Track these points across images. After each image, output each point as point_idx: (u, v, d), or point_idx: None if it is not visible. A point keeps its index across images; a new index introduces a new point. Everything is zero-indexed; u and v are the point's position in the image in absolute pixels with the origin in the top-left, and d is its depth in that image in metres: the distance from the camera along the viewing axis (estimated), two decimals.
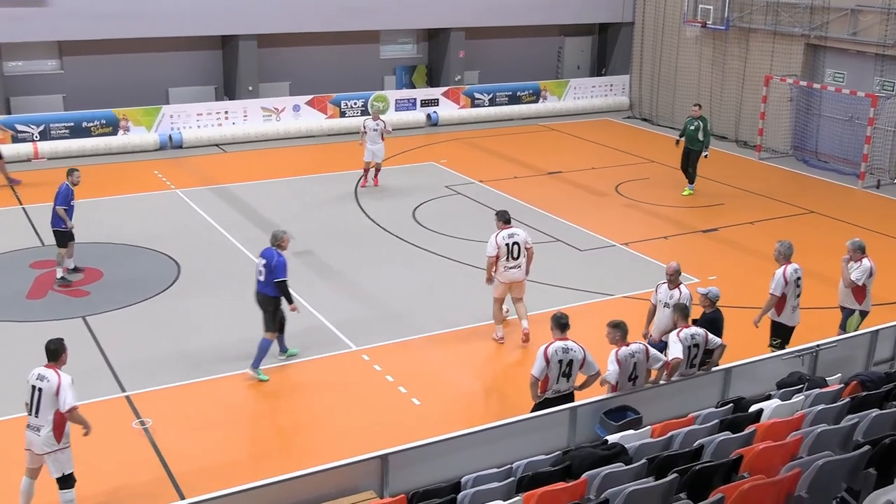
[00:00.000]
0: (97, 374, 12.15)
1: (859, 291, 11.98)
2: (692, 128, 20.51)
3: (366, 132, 20.64)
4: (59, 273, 15.05)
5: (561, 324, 9.56)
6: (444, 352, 13.17)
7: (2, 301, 14.45)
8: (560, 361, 9.38)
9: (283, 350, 12.62)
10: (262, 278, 11.91)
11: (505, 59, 30.65)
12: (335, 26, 26.91)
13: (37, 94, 24.66)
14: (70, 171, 15.16)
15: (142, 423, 11.01)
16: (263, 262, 11.90)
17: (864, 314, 12.10)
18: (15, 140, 22.91)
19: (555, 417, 9.09)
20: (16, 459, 10.13)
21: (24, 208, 18.92)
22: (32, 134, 23.15)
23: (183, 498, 9.38)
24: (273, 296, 11.91)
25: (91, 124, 23.94)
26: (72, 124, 23.73)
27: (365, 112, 27.03)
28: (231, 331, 13.57)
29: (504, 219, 13.33)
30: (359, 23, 27.22)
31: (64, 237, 14.94)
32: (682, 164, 21.00)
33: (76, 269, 15.42)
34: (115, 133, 24.14)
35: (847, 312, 12.14)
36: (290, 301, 11.89)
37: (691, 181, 20.95)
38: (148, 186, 20.82)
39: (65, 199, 14.80)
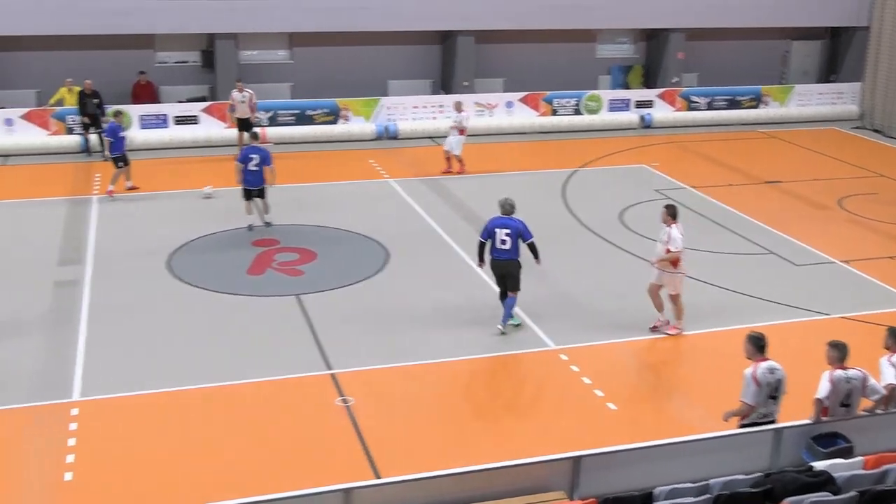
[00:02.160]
0: (306, 351, 12.75)
1: None
2: None
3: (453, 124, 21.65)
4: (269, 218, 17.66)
5: (760, 345, 9.09)
6: (643, 357, 12.92)
7: (225, 275, 15.42)
8: (769, 384, 8.93)
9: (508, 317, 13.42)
10: (507, 246, 12.87)
11: (725, 62, 29.54)
12: (553, 24, 26.88)
13: (268, 83, 26.13)
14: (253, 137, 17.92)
15: (344, 400, 11.45)
16: (507, 230, 12.86)
17: None
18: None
19: (757, 437, 8.70)
20: (248, 422, 10.83)
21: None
22: (261, 120, 24.53)
23: (378, 477, 9.70)
24: (518, 259, 12.97)
25: (314, 113, 25.11)
26: (297, 112, 24.99)
27: (578, 112, 26.91)
28: (435, 318, 13.88)
29: (673, 213, 13.36)
30: (578, 21, 27.07)
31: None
32: None
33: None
34: (335, 122, 25.22)
35: None
36: (538, 257, 13.12)
37: None
38: (363, 174, 21.61)
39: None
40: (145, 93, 25.09)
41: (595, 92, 27.49)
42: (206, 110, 24.38)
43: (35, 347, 12.71)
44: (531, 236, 13.00)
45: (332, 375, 12.05)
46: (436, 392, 11.86)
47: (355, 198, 19.83)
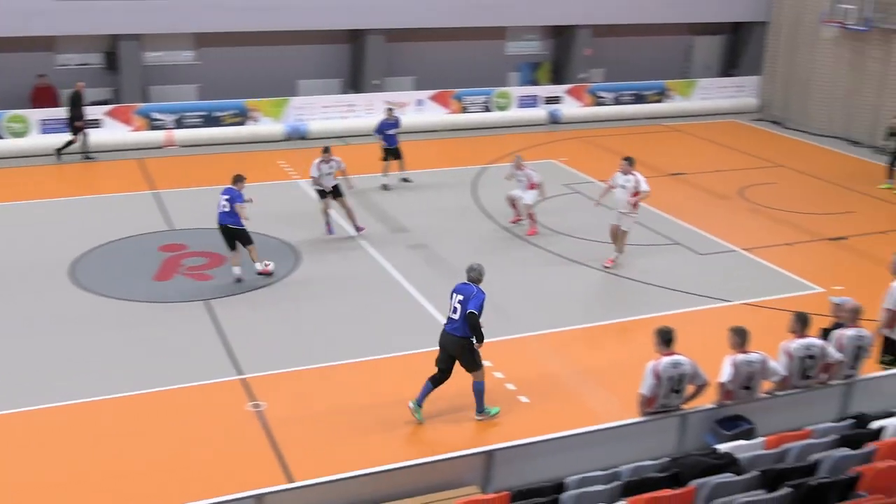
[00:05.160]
0: (215, 357, 12.55)
1: None
2: None
3: None
4: (259, 267, 15.13)
5: (667, 339, 9.19)
6: (554, 351, 13.08)
7: (130, 282, 15.07)
8: (671, 378, 8.98)
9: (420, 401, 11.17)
10: (456, 316, 10.73)
11: (631, 58, 30.14)
12: (464, 22, 27.03)
13: (173, 84, 25.67)
14: (239, 178, 15.22)
15: (256, 405, 11.31)
16: (460, 297, 10.75)
17: None
18: (152, 128, 23.95)
19: (664, 423, 8.90)
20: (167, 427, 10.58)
21: (154, 193, 19.71)
22: (167, 122, 24.08)
23: (292, 481, 9.61)
24: (469, 337, 10.78)
25: (223, 114, 24.77)
26: (205, 114, 24.60)
27: (487, 108, 27.10)
28: (345, 319, 13.82)
29: (632, 162, 15.65)
30: (487, 19, 27.27)
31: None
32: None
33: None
34: (244, 123, 24.91)
35: None
36: (479, 339, 10.82)
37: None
38: (273, 176, 21.37)
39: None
40: (45, 96, 24.36)
41: (504, 89, 27.76)
42: (109, 113, 23.80)
43: None
44: (476, 308, 10.59)
45: (243, 380, 11.89)
46: (348, 393, 11.80)
47: (265, 200, 19.56)
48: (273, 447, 10.45)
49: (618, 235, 15.82)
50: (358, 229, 17.31)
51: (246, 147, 24.09)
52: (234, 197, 14.90)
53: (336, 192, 17.24)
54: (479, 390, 11.10)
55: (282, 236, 17.19)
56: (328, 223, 17.40)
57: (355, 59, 27.38)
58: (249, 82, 26.13)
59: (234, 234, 14.91)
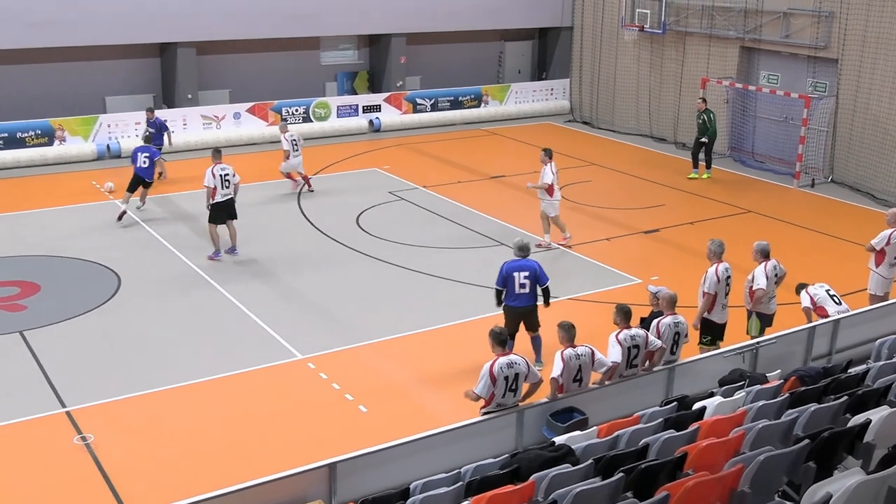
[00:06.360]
0: (36, 390, 11.90)
1: (752, 294, 11.95)
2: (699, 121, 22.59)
3: None
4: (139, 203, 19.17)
5: (501, 340, 9.46)
6: (390, 358, 13.14)
7: None
8: (506, 378, 9.22)
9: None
10: (526, 290, 12.21)
11: (446, 65, 30.71)
12: (276, 33, 26.72)
13: None
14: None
15: (83, 438, 10.80)
16: (525, 273, 12.18)
17: (762, 318, 12.03)
18: None
19: (502, 421, 9.13)
20: None
21: None
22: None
23: None
24: (536, 303, 12.39)
25: (26, 135, 23.46)
26: (6, 135, 23.23)
27: (307, 119, 26.94)
28: (171, 342, 13.40)
29: (549, 154, 17.29)
30: (299, 29, 27.06)
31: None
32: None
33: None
34: (50, 143, 23.71)
35: (748, 314, 12.20)
36: (548, 302, 12.51)
37: (708, 166, 22.91)
38: (86, 197, 20.44)
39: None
40: None
41: (323, 99, 27.66)
42: None
43: None
44: (547, 280, 12.36)
45: (68, 413, 11.33)
46: (180, 417, 11.45)
47: (79, 222, 18.72)
48: (105, 480, 10.00)
49: (547, 221, 17.30)
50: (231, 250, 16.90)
51: (55, 168, 22.95)
52: (153, 154, 18.81)
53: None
54: (539, 344, 12.43)
55: (100, 259, 16.47)
56: (234, 245, 16.91)
57: (167, 74, 26.56)
58: (54, 101, 24.86)
59: (144, 183, 18.71)
